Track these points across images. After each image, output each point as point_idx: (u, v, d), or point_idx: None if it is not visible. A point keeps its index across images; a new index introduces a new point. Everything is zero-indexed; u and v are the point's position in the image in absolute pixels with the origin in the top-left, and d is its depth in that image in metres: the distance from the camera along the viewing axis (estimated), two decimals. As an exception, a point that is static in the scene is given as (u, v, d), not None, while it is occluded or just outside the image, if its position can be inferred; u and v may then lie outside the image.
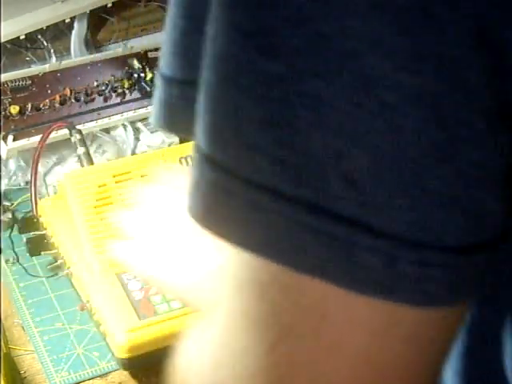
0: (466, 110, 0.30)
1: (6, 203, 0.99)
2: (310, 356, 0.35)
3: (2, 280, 0.90)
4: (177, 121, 0.39)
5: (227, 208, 0.33)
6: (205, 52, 0.33)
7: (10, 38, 1.07)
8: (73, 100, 1.05)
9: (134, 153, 1.05)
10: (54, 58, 1.12)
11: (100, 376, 0.81)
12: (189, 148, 0.93)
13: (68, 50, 1.13)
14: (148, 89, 1.09)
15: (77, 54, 1.13)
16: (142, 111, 1.08)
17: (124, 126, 1.08)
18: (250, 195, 0.32)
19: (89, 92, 1.06)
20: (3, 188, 1.01)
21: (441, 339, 0.36)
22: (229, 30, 0.32)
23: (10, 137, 1.00)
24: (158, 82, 0.40)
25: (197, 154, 0.34)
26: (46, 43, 1.12)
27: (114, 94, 1.07)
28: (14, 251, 0.93)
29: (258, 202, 0.32)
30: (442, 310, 0.34)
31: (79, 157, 0.95)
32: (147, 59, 1.11)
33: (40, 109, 1.03)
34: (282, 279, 0.34)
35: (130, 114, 1.08)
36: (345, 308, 0.33)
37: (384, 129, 0.30)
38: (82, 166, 0.93)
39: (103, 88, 1.07)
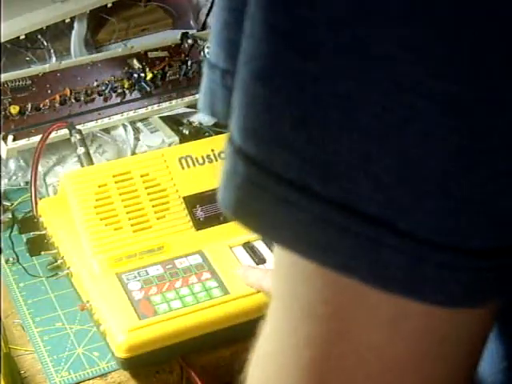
0: (497, 120, 0.30)
1: (6, 203, 0.99)
2: (323, 339, 0.36)
3: (2, 280, 0.90)
4: (218, 107, 0.40)
5: (258, 202, 0.34)
6: (241, 49, 0.33)
7: (10, 37, 1.07)
8: (73, 100, 1.05)
9: (133, 153, 1.05)
10: (54, 58, 1.12)
11: (100, 376, 0.81)
12: (189, 148, 0.93)
13: (68, 50, 1.14)
14: (148, 89, 1.09)
15: (77, 54, 1.13)
16: (141, 111, 1.09)
17: (124, 126, 1.08)
18: (280, 191, 0.33)
19: (89, 92, 1.06)
20: (3, 188, 1.01)
21: (460, 338, 0.36)
22: (265, 28, 0.32)
23: (10, 137, 1.00)
24: (205, 67, 0.41)
25: (230, 146, 0.34)
26: (46, 43, 1.12)
27: (114, 94, 1.07)
28: (14, 251, 0.93)
29: (287, 198, 0.33)
30: (461, 310, 0.34)
31: (79, 157, 0.95)
32: (147, 59, 1.11)
33: (40, 109, 1.03)
34: (303, 268, 0.35)
35: (130, 113, 1.08)
36: (357, 297, 0.34)
37: (412, 134, 0.30)
38: (82, 166, 0.93)
39: (103, 88, 1.07)
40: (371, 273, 0.33)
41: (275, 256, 0.38)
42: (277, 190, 0.33)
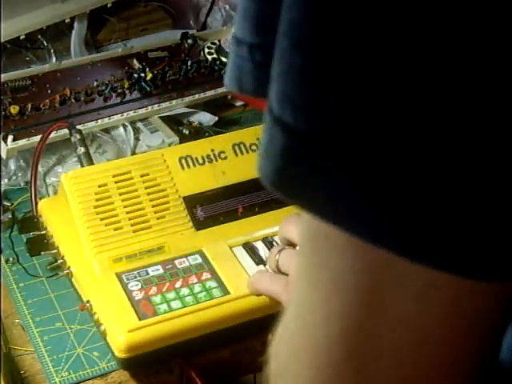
0: None
1: (6, 203, 0.99)
2: (354, 311, 0.36)
3: (2, 280, 0.90)
4: (245, 82, 0.40)
5: (295, 170, 0.34)
6: (281, 18, 0.34)
7: (10, 37, 1.07)
8: (73, 100, 1.05)
9: (133, 153, 1.05)
10: (53, 58, 1.12)
11: (100, 376, 0.81)
12: (189, 148, 0.93)
13: (68, 49, 1.14)
14: (148, 89, 1.09)
15: (77, 54, 1.13)
16: (141, 111, 1.09)
17: (124, 126, 1.08)
18: (316, 159, 0.33)
19: (89, 92, 1.06)
20: (3, 188, 1.01)
21: (488, 313, 0.36)
22: None
23: (10, 137, 1.00)
24: (231, 43, 0.41)
25: (269, 117, 0.35)
26: (46, 43, 1.12)
27: (114, 94, 1.07)
28: (14, 251, 0.93)
29: (323, 167, 0.33)
30: (493, 284, 0.34)
31: (79, 157, 0.95)
32: (147, 59, 1.11)
33: (40, 109, 1.03)
34: (334, 240, 0.36)
35: (130, 113, 1.08)
36: (389, 269, 0.35)
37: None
38: (82, 166, 0.93)
39: (103, 88, 1.07)
40: (403, 243, 0.33)
41: (304, 230, 0.38)
42: (313, 158, 0.33)
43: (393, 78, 0.31)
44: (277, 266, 0.74)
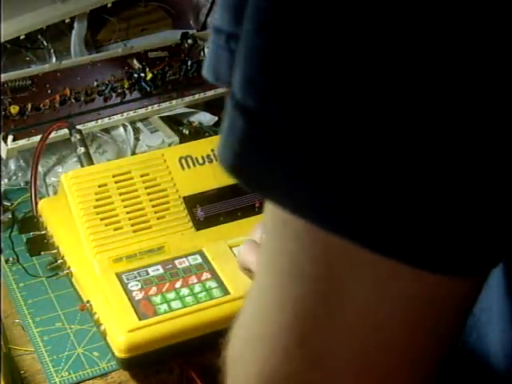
0: None
1: (6, 203, 0.99)
2: (309, 299, 0.36)
3: (2, 280, 0.90)
4: (222, 71, 0.40)
5: (256, 158, 0.34)
6: (247, 3, 0.34)
7: (10, 37, 1.07)
8: (73, 100, 1.05)
9: (133, 153, 1.05)
10: (53, 58, 1.12)
11: (100, 376, 0.81)
12: (189, 148, 0.93)
13: (68, 49, 1.14)
14: (148, 89, 1.09)
15: (77, 54, 1.13)
16: (141, 111, 1.09)
17: (124, 126, 1.08)
18: (275, 144, 0.33)
19: (89, 92, 1.06)
20: (3, 188, 1.01)
21: (447, 304, 0.36)
22: None
23: (10, 137, 1.00)
24: (211, 32, 0.41)
25: (231, 102, 0.34)
26: (46, 43, 1.12)
27: (114, 94, 1.07)
28: (14, 251, 0.93)
29: (282, 152, 0.33)
30: (450, 277, 0.34)
31: (79, 157, 0.95)
32: (147, 59, 1.11)
33: (40, 109, 1.03)
34: (293, 226, 0.35)
35: (130, 113, 1.08)
36: (347, 257, 0.34)
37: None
38: (82, 166, 0.93)
39: (103, 88, 1.07)
40: (364, 233, 0.33)
41: (266, 214, 0.38)
42: (273, 145, 0.33)
43: (356, 63, 0.31)
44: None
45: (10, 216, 0.97)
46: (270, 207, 0.36)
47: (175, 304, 0.81)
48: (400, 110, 0.31)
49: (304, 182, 0.33)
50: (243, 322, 0.41)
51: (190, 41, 1.14)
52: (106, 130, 1.07)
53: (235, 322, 0.42)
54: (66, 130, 0.99)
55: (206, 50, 1.14)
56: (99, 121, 1.06)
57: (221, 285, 0.83)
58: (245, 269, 0.75)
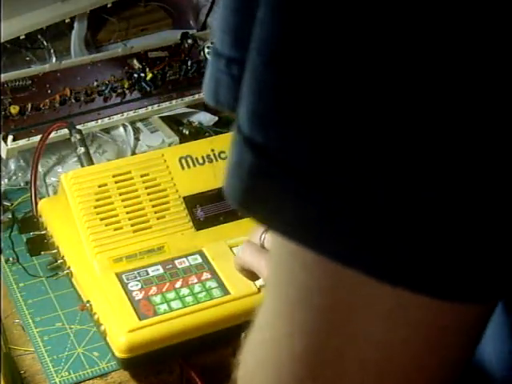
0: None
1: (6, 203, 0.99)
2: (319, 329, 0.36)
3: (2, 280, 0.90)
4: (222, 96, 0.39)
5: (264, 191, 0.34)
6: (252, 35, 0.33)
7: (10, 37, 1.07)
8: (73, 100, 1.05)
9: (133, 153, 1.05)
10: (54, 58, 1.12)
11: (100, 376, 0.81)
12: (189, 148, 0.93)
13: (68, 49, 1.14)
14: (148, 89, 1.09)
15: (77, 54, 1.13)
16: (141, 111, 1.09)
17: (124, 126, 1.08)
18: (287, 180, 0.33)
19: (89, 92, 1.06)
20: (3, 188, 1.01)
21: (458, 330, 0.36)
22: (278, 15, 0.32)
23: (10, 137, 1.00)
24: (210, 55, 0.40)
25: (238, 135, 0.34)
26: (45, 43, 1.12)
27: (114, 94, 1.07)
28: (14, 251, 0.93)
29: (294, 188, 0.33)
30: (461, 304, 0.34)
31: (79, 157, 0.95)
32: (147, 59, 1.11)
33: (40, 109, 1.03)
34: (303, 257, 0.35)
35: (130, 113, 1.08)
36: (357, 288, 0.34)
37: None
38: (82, 166, 0.93)
39: (103, 88, 1.07)
40: (375, 264, 0.32)
41: (273, 243, 0.38)
42: (284, 179, 0.33)
43: (367, 96, 0.31)
44: (262, 244, 0.75)
45: (10, 216, 0.97)
46: (276, 238, 0.36)
47: (175, 304, 0.81)
48: (413, 146, 0.31)
49: (315, 215, 0.32)
50: (252, 346, 0.40)
51: (189, 41, 1.14)
52: (106, 130, 1.07)
53: (247, 342, 0.42)
54: (66, 130, 0.99)
55: (206, 50, 1.14)
56: (99, 121, 1.06)
57: (221, 285, 0.83)
58: (242, 269, 0.75)
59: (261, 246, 0.75)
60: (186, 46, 1.14)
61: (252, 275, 0.76)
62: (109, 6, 1.16)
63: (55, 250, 0.89)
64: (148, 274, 0.84)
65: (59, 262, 0.88)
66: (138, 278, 0.83)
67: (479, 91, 0.30)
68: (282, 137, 0.32)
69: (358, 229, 0.32)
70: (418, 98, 0.30)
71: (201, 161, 0.92)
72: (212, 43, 1.14)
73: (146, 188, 0.88)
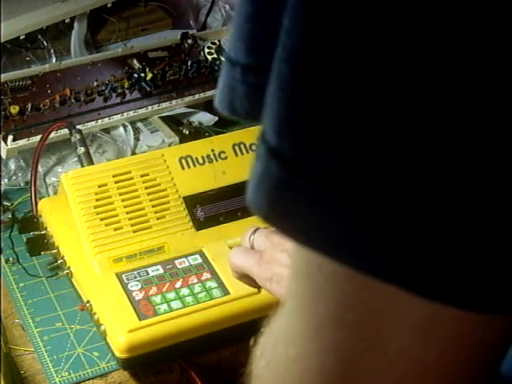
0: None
1: (6, 203, 0.99)
2: (351, 346, 0.35)
3: (2, 280, 0.90)
4: (238, 105, 0.39)
5: (292, 204, 0.33)
6: (278, 43, 0.32)
7: (10, 37, 1.07)
8: (73, 100, 1.05)
9: (133, 153, 1.05)
10: (53, 58, 1.12)
11: (100, 376, 0.81)
12: (189, 148, 0.93)
13: (68, 49, 1.14)
14: (148, 89, 1.09)
15: (77, 54, 1.13)
16: (142, 111, 1.09)
17: (124, 126, 1.08)
18: (316, 193, 0.32)
19: (89, 92, 1.06)
20: (3, 188, 1.01)
21: (490, 343, 0.36)
22: (307, 24, 0.31)
23: (10, 137, 1.00)
24: (224, 64, 0.39)
25: (263, 146, 0.33)
26: (45, 43, 1.12)
27: (114, 94, 1.07)
28: (14, 251, 0.93)
29: (323, 201, 0.32)
30: (497, 316, 0.34)
31: (79, 157, 0.95)
32: (147, 59, 1.11)
33: (40, 109, 1.03)
34: (332, 272, 0.34)
35: (130, 113, 1.08)
36: (389, 302, 0.34)
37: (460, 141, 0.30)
38: (82, 166, 0.93)
39: (103, 88, 1.07)
40: (409, 278, 0.32)
41: (297, 257, 0.37)
42: (312, 192, 0.32)
43: (404, 109, 0.30)
44: (252, 245, 0.75)
45: (10, 216, 0.97)
46: (301, 252, 0.35)
47: (175, 304, 0.81)
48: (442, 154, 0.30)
49: (346, 229, 0.32)
50: (274, 363, 0.39)
51: (189, 41, 1.14)
52: (106, 130, 1.07)
53: (261, 357, 0.41)
54: (66, 130, 0.99)
55: (206, 50, 1.14)
56: (99, 121, 1.06)
57: (221, 285, 0.83)
58: (240, 277, 0.75)
59: (251, 247, 0.75)
60: (186, 46, 1.14)
61: (252, 281, 0.76)
62: (109, 5, 1.16)
63: (55, 250, 0.89)
64: (148, 274, 0.84)
65: (59, 262, 0.88)
66: (138, 278, 0.83)
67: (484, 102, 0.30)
68: (310, 148, 0.32)
69: (390, 242, 0.31)
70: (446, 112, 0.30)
71: (201, 161, 0.92)
72: (212, 43, 1.14)
73: (146, 188, 0.88)
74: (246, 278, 0.75)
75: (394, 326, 0.34)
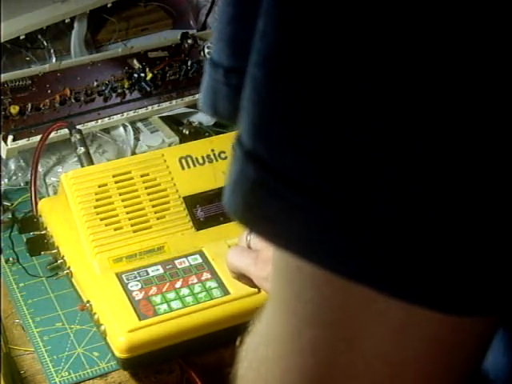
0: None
1: (6, 203, 0.99)
2: (330, 346, 0.35)
3: (2, 280, 0.90)
4: (221, 107, 0.39)
5: (268, 207, 0.33)
6: (253, 47, 0.32)
7: (10, 37, 1.07)
8: (73, 100, 1.05)
9: (134, 153, 1.05)
10: (53, 58, 1.12)
11: (100, 376, 0.81)
12: (189, 148, 0.93)
13: (68, 49, 1.14)
14: (148, 89, 1.09)
15: (77, 54, 1.13)
16: (141, 111, 1.09)
17: (124, 126, 1.08)
18: (291, 195, 0.32)
19: (89, 92, 1.06)
20: (3, 188, 1.01)
21: (468, 346, 0.36)
22: (280, 27, 0.31)
23: (10, 137, 1.00)
24: (207, 66, 0.39)
25: (239, 149, 0.33)
26: (45, 43, 1.12)
27: (114, 94, 1.07)
28: (14, 251, 0.93)
29: (299, 203, 0.32)
30: (475, 318, 0.34)
31: (79, 157, 0.95)
32: (147, 59, 1.11)
33: (40, 109, 1.03)
34: (311, 274, 0.34)
35: (130, 113, 1.08)
36: (366, 304, 0.34)
37: (433, 139, 0.30)
38: (82, 166, 0.93)
39: (103, 88, 1.07)
40: (386, 280, 0.32)
41: (277, 258, 0.37)
42: (287, 194, 0.32)
43: (375, 111, 0.30)
44: (248, 244, 0.75)
45: (10, 216, 0.97)
46: (282, 253, 0.35)
47: (175, 304, 0.81)
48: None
49: (326, 233, 0.32)
50: (256, 364, 0.40)
51: (189, 41, 1.14)
52: (106, 130, 1.07)
53: (245, 358, 0.41)
54: (66, 130, 0.99)
55: (206, 50, 1.14)
56: (99, 121, 1.06)
57: (221, 285, 0.83)
58: (238, 278, 0.75)
59: (247, 246, 0.76)
60: (186, 46, 1.14)
61: (250, 281, 0.76)
62: (109, 5, 1.16)
63: (55, 250, 0.89)
64: (148, 274, 0.84)
65: (59, 262, 0.88)
66: (138, 278, 0.83)
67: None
68: (285, 151, 0.32)
69: (365, 245, 0.31)
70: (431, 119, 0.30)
71: (201, 161, 0.92)
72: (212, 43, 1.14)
73: (146, 188, 0.88)
74: (244, 277, 0.75)
75: (371, 328, 0.34)
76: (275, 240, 0.34)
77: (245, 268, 0.75)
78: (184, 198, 0.89)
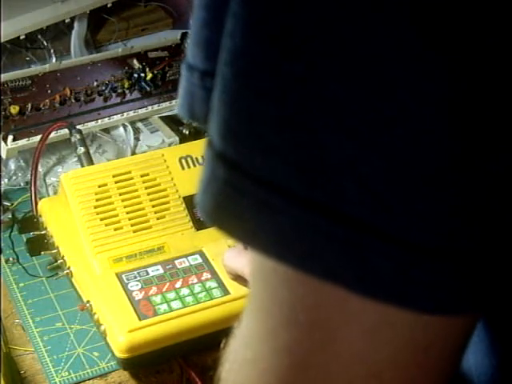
0: (490, 121, 0.30)
1: (6, 203, 0.99)
2: (304, 347, 0.35)
3: (2, 280, 0.90)
4: (197, 110, 0.39)
5: (238, 207, 0.33)
6: (222, 47, 0.32)
7: (10, 37, 1.07)
8: (73, 100, 1.05)
9: (133, 153, 1.05)
10: (53, 58, 1.12)
11: (100, 376, 0.81)
12: (189, 148, 0.93)
13: (68, 49, 1.14)
14: (148, 89, 1.09)
15: (77, 54, 1.13)
16: (141, 111, 1.09)
17: (124, 126, 1.08)
18: (261, 195, 0.32)
19: (89, 92, 1.06)
20: (3, 188, 1.01)
21: (443, 347, 0.35)
22: (248, 27, 0.31)
23: (10, 137, 1.00)
24: (183, 70, 0.39)
25: (209, 150, 0.33)
26: (45, 43, 1.12)
27: (114, 94, 1.07)
28: (14, 251, 0.93)
29: (269, 203, 0.32)
30: (448, 317, 0.34)
31: (79, 157, 0.95)
32: (147, 59, 1.11)
33: (40, 109, 1.03)
34: (284, 274, 0.34)
35: (130, 113, 1.08)
36: (340, 304, 0.34)
37: (401, 135, 0.30)
38: (82, 166, 0.94)
39: (103, 88, 1.07)
40: (357, 279, 0.32)
41: (253, 260, 0.37)
42: (258, 194, 0.32)
43: (343, 109, 0.30)
44: (245, 246, 0.75)
45: (10, 216, 0.97)
46: (256, 255, 0.35)
47: (175, 304, 0.81)
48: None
49: (293, 231, 0.32)
50: (236, 366, 0.40)
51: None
52: (106, 130, 1.07)
53: (226, 360, 0.41)
54: (66, 130, 0.99)
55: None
56: (99, 121, 1.06)
57: (221, 285, 0.83)
58: (235, 278, 0.75)
59: (244, 247, 0.76)
60: (186, 45, 1.14)
61: (247, 282, 0.76)
62: (109, 5, 1.16)
63: (55, 250, 0.89)
64: (148, 274, 0.84)
65: (59, 262, 0.88)
66: (138, 278, 0.83)
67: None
68: (254, 151, 0.32)
69: (336, 244, 0.31)
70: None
71: (201, 161, 0.92)
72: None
73: (146, 188, 0.88)
74: (241, 278, 0.75)
75: (346, 329, 0.34)
76: (246, 240, 0.34)
77: (240, 269, 0.76)
78: (184, 198, 0.89)
